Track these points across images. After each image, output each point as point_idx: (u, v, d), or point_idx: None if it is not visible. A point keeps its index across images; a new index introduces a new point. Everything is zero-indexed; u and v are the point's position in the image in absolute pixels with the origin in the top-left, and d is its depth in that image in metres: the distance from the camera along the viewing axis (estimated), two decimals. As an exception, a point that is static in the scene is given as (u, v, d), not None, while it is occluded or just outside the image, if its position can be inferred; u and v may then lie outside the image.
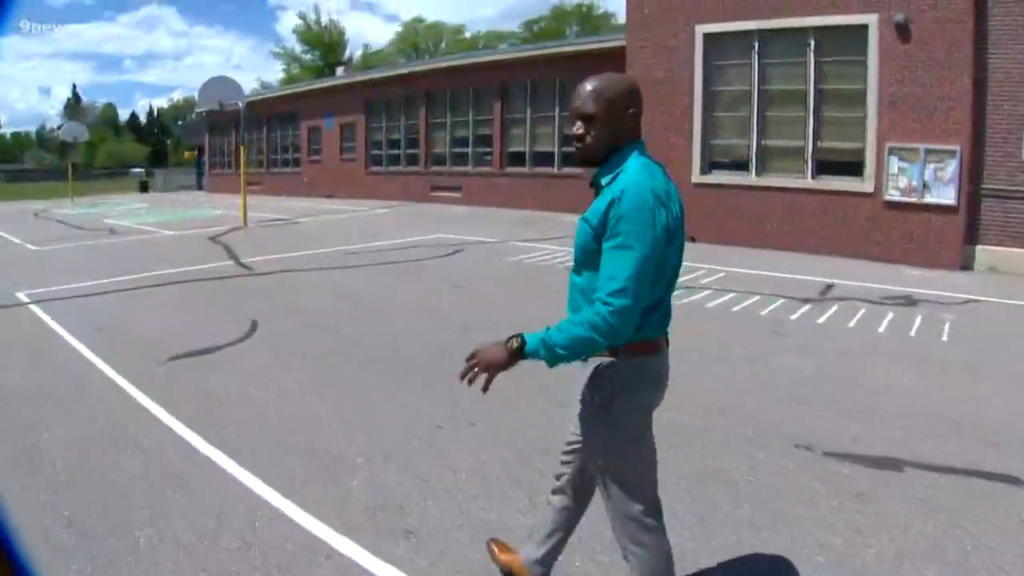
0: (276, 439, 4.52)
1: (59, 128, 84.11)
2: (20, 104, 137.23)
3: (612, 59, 17.48)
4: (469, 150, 21.71)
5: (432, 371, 5.83)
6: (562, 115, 19.10)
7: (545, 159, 19.27)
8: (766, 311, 8.04)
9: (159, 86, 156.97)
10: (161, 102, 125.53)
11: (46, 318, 7.99)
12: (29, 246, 15.06)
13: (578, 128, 2.30)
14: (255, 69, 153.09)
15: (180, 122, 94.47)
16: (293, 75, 56.71)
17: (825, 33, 12.17)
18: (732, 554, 3.23)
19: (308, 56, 58.66)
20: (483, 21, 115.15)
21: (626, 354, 2.27)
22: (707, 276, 10.00)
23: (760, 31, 12.72)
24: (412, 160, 23.98)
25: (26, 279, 10.57)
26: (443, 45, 67.08)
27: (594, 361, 2.32)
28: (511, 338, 2.22)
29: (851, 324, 7.49)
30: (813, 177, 12.51)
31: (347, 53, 59.90)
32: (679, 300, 8.44)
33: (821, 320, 7.66)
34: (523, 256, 11.89)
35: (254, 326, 7.48)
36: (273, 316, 7.93)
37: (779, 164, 12.95)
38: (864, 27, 11.69)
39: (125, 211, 25.26)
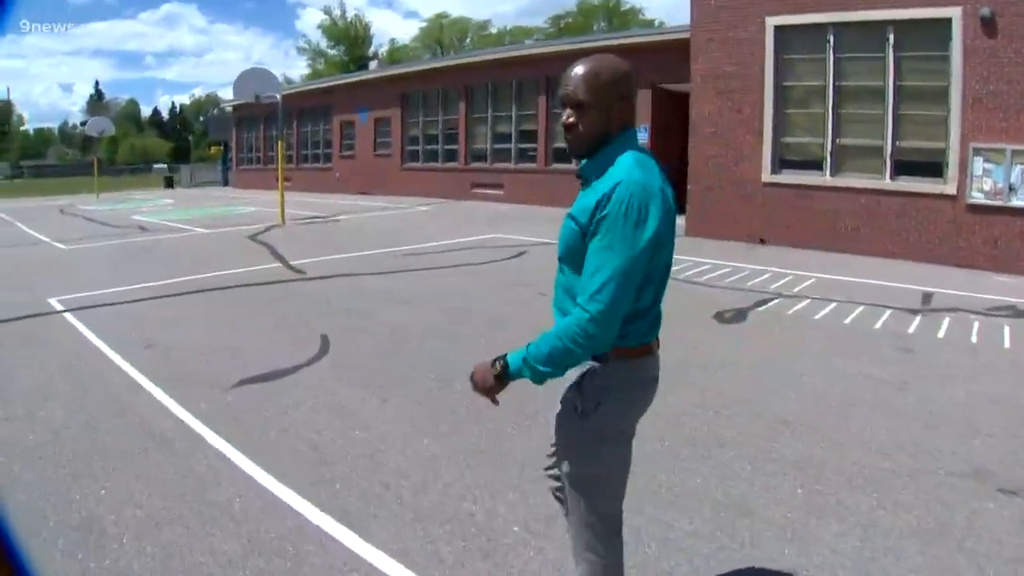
0: (396, 496, 3.67)
1: (83, 124, 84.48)
2: (42, 101, 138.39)
3: (669, 52, 16.83)
4: (512, 146, 20.93)
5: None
6: (611, 109, 18.34)
7: None
8: (879, 324, 7.31)
9: (180, 83, 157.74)
10: (183, 98, 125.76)
11: (85, 331, 7.20)
12: (58, 244, 14.44)
13: (569, 117, 2.12)
14: (275, 66, 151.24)
15: (202, 117, 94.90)
16: (318, 70, 56.23)
17: (905, 27, 11.39)
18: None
19: (333, 51, 58.14)
20: (505, 17, 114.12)
21: (615, 359, 2.13)
22: (797, 283, 9.26)
23: (835, 24, 11.98)
24: (450, 156, 23.23)
25: (58, 282, 9.91)
26: (468, 41, 66.59)
27: (581, 366, 2.15)
28: (496, 360, 2.12)
29: (973, 339, 6.78)
30: (891, 178, 11.75)
31: (372, 48, 59.36)
32: (787, 310, 7.83)
33: (941, 334, 6.94)
34: None
35: (326, 343, 6.64)
36: (344, 330, 7.10)
37: (855, 164, 12.21)
38: (947, 21, 10.91)
39: (152, 207, 24.75)
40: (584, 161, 2.16)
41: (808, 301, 8.23)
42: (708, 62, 13.31)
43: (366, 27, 58.31)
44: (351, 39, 56.91)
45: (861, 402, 5.03)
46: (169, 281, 9.78)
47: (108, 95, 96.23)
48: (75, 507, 3.57)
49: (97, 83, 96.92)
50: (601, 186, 2.03)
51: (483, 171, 21.74)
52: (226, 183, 39.40)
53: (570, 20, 60.26)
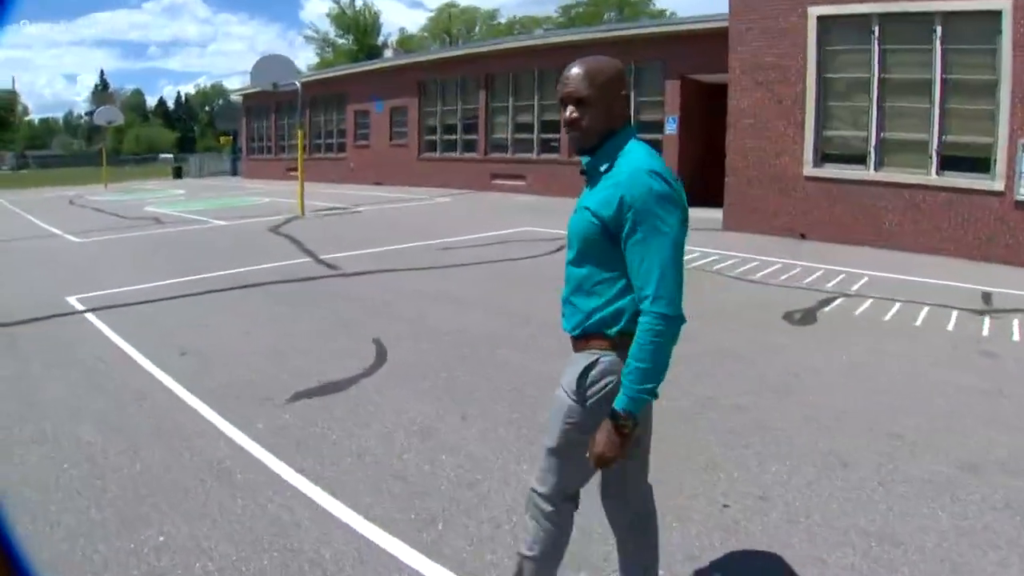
0: (511, 536, 3.10)
1: (88, 114, 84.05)
2: (46, 91, 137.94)
3: (698, 42, 16.45)
4: (534, 136, 20.50)
5: (668, 417, 4.63)
6: (637, 100, 17.93)
7: None
8: (950, 325, 6.95)
9: (184, 73, 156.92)
10: (188, 88, 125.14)
11: (111, 334, 6.67)
12: (71, 238, 14.01)
13: (571, 113, 2.19)
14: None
15: (207, 107, 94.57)
16: (327, 59, 55.73)
17: (953, 19, 10.97)
18: None
19: (342, 40, 57.64)
20: (514, 6, 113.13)
21: (623, 347, 2.12)
22: (852, 281, 8.86)
23: (880, 15, 11.55)
24: (469, 146, 22.79)
25: (75, 279, 9.46)
26: (476, 30, 66.12)
27: (588, 355, 2.19)
28: (616, 420, 2.07)
29: (1049, 340, 6.37)
30: (937, 173, 11.34)
31: (380, 38, 58.84)
32: (853, 311, 7.46)
33: (1016, 338, 6.56)
34: None
35: (381, 349, 6.12)
36: (397, 334, 6.56)
37: (899, 158, 11.79)
38: (997, 13, 10.49)
39: (164, 198, 24.34)
40: (587, 158, 2.21)
41: (871, 301, 7.85)
42: (747, 52, 12.87)
43: (375, 16, 57.75)
44: (360, 28, 56.38)
45: (968, 413, 4.66)
46: (194, 278, 9.31)
47: (112, 85, 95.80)
48: (132, 560, 3.00)
49: (102, 73, 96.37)
50: (619, 176, 2.08)
51: (504, 162, 21.31)
52: (235, 173, 39.05)
53: (581, 9, 59.72)
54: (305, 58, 64.92)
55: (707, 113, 17.42)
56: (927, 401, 4.87)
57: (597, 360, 2.17)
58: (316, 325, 7.02)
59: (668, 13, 58.20)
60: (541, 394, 4.98)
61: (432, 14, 65.14)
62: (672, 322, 2.03)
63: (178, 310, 7.77)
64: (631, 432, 2.09)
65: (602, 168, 2.16)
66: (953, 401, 4.88)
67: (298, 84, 16.86)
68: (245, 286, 8.81)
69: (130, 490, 3.65)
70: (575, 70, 2.19)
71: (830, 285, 8.62)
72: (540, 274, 9.22)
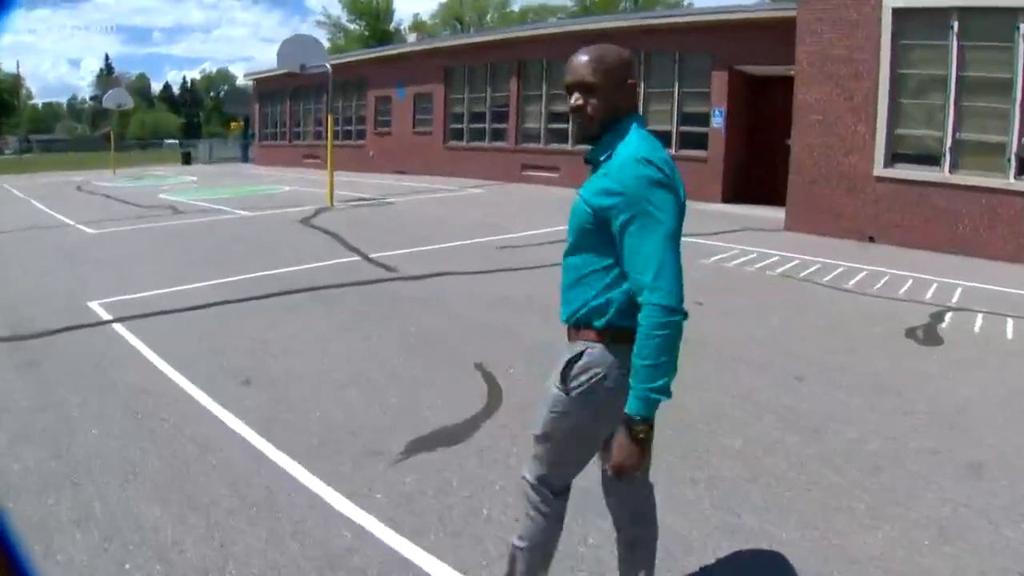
0: None
1: (93, 98, 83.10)
2: (50, 75, 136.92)
3: (746, 31, 15.58)
4: (569, 127, 19.58)
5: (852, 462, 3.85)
6: (681, 91, 17.07)
7: (661, 140, 16.52)
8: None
9: (188, 58, 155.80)
10: (193, 74, 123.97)
11: (148, 353, 5.66)
12: (84, 228, 13.06)
13: (577, 100, 2.18)
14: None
15: (212, 93, 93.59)
16: (339, 44, 54.68)
17: (1039, 15, 10.23)
18: None
19: (354, 26, 56.57)
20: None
21: (612, 341, 2.12)
22: (948, 292, 8.12)
23: (960, 9, 10.76)
24: (498, 135, 21.83)
25: (95, 279, 8.53)
26: (489, 18, 65.10)
27: (576, 345, 2.18)
28: (632, 427, 2.00)
29: None
30: (1016, 177, 10.57)
31: (393, 24, 57.85)
32: (969, 327, 6.76)
33: None
34: (715, 257, 9.77)
35: (490, 380, 5.11)
36: (502, 357, 5.57)
37: (976, 160, 11.02)
38: (1085, 10, 9.77)
39: (176, 185, 23.48)
40: (592, 147, 2.19)
41: (982, 316, 7.13)
42: (816, 44, 12.03)
43: (388, 1, 56.63)
44: (373, 13, 55.30)
45: None
46: (234, 279, 8.37)
47: (117, 70, 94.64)
48: None
49: (107, 57, 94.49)
50: (612, 164, 2.07)
51: (536, 152, 20.34)
52: (246, 159, 38.19)
53: (596, -1, 58.65)
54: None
55: (753, 106, 16.60)
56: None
57: (583, 352, 2.16)
58: (396, 343, 6.07)
59: (686, 3, 57.20)
60: (712, 428, 4.23)
61: (444, 0, 63.86)
62: (673, 313, 1.97)
63: (223, 321, 6.77)
64: (647, 437, 2.02)
65: (602, 157, 2.15)
66: None
67: (328, 66, 15.94)
68: (296, 291, 7.85)
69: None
70: (581, 57, 2.17)
71: (928, 296, 7.90)
72: None
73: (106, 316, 6.81)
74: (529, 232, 11.63)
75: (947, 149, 11.12)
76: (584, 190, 2.14)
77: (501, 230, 11.83)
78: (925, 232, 11.15)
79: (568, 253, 2.23)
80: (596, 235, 2.10)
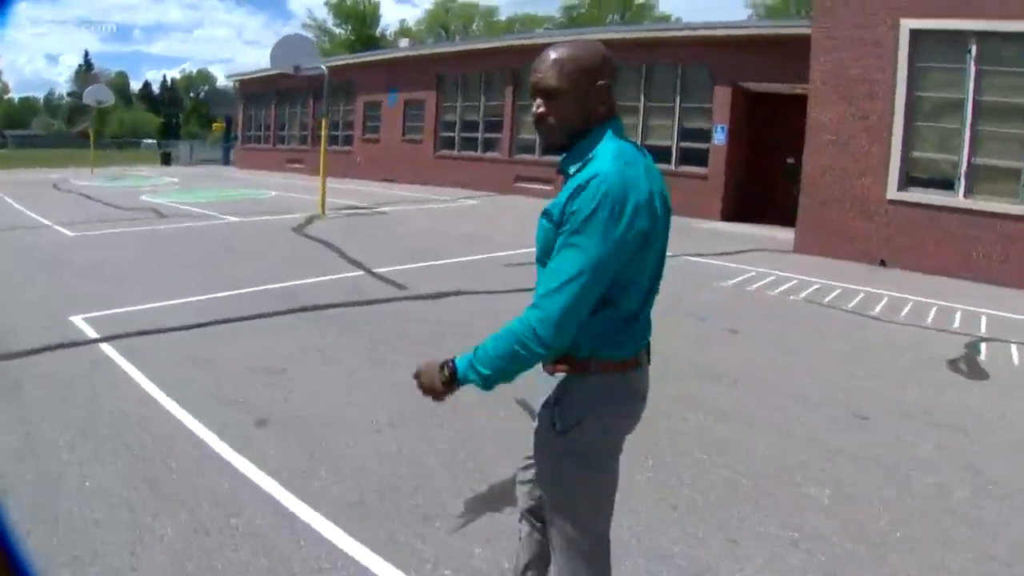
0: None
1: (71, 94, 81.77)
2: (27, 69, 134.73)
3: (750, 48, 15.29)
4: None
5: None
6: (682, 106, 16.77)
7: (661, 155, 16.33)
8: None
9: (168, 58, 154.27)
10: (173, 73, 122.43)
11: (142, 380, 5.01)
12: (62, 230, 12.33)
13: (538, 107, 1.93)
14: (268, 45, 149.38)
15: (192, 94, 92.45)
16: (325, 49, 54.11)
17: (1057, 42, 10.08)
18: None
19: (340, 30, 55.99)
20: (514, 4, 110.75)
21: (599, 371, 1.92)
22: (973, 321, 7.86)
23: (978, 33, 10.57)
24: (490, 145, 21.42)
25: (77, 288, 7.89)
26: (475, 27, 64.94)
27: (560, 376, 1.96)
28: (444, 364, 1.95)
29: None
30: (1030, 203, 10.47)
31: (379, 29, 57.39)
32: (1009, 359, 6.44)
33: None
34: (734, 280, 9.38)
35: None
36: None
37: (991, 186, 10.82)
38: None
39: (157, 186, 22.84)
40: (563, 156, 1.96)
41: (1015, 347, 6.84)
42: (830, 62, 11.76)
43: (375, 7, 56.21)
44: (359, 18, 54.80)
45: None
46: (229, 294, 7.76)
47: (96, 67, 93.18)
48: None
49: (87, 53, 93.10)
50: (576, 180, 1.83)
51: (530, 164, 19.92)
52: (227, 162, 37.54)
53: (583, 10, 58.62)
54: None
55: (753, 123, 16.35)
56: None
57: (568, 381, 1.96)
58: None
59: (673, 18, 57.34)
60: (792, 478, 3.79)
61: (430, 7, 63.62)
62: (535, 342, 1.78)
63: (224, 344, 6.07)
64: (446, 385, 1.96)
65: (571, 170, 1.91)
66: None
67: (324, 68, 15.44)
68: (302, 309, 7.25)
69: None
70: (544, 58, 1.93)
71: (956, 326, 7.64)
72: (662, 300, 7.58)
73: (92, 334, 6.12)
74: (531, 249, 11.07)
75: (962, 174, 10.88)
76: (551, 203, 1.89)
77: (503, 245, 11.35)
78: (938, 257, 10.89)
79: (539, 270, 1.95)
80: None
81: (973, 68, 10.67)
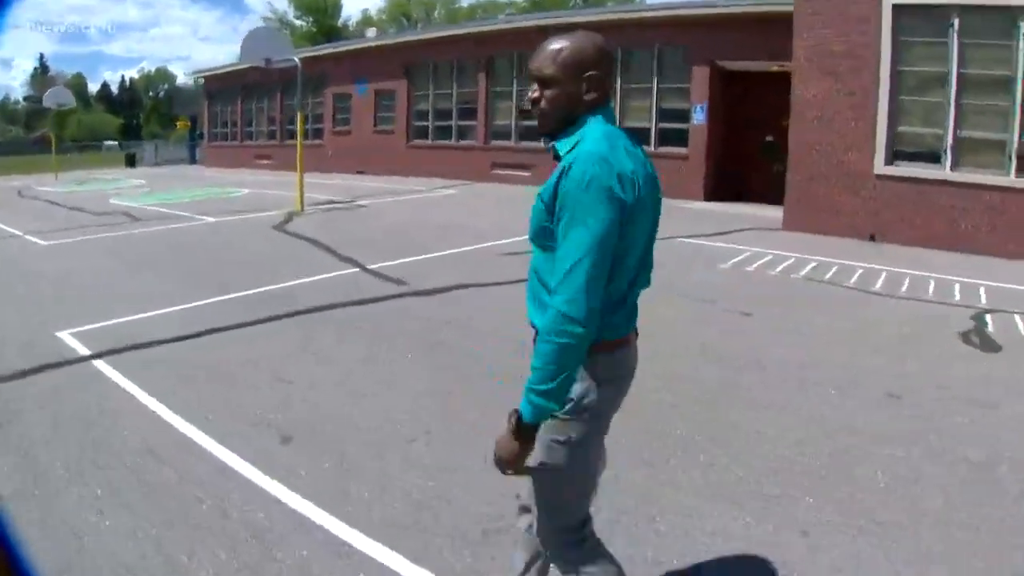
0: None
1: (27, 98, 79.83)
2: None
3: (725, 27, 15.19)
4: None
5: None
6: (660, 87, 16.64)
7: (641, 137, 16.00)
8: None
9: (125, 58, 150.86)
10: (131, 73, 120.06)
11: (147, 400, 4.65)
12: (33, 239, 11.88)
13: (533, 92, 2.06)
14: (223, 41, 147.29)
15: (151, 93, 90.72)
16: (285, 42, 53.33)
17: (1037, 13, 10.11)
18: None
19: (300, 22, 55.10)
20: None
21: (593, 354, 1.95)
22: (973, 293, 7.84)
23: (961, 7, 10.60)
24: (465, 133, 21.14)
25: (58, 301, 7.50)
26: (436, 15, 64.30)
27: None
28: (508, 417, 1.94)
29: None
30: (1017, 175, 10.43)
31: (340, 20, 56.59)
32: (1017, 330, 6.40)
33: None
34: (732, 261, 9.28)
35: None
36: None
37: (977, 158, 10.88)
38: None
39: (125, 189, 22.25)
40: (555, 141, 2.05)
41: (1018, 316, 6.88)
42: (814, 39, 11.69)
43: (336, -2, 55.42)
44: (320, 9, 53.96)
45: None
46: (223, 299, 7.40)
47: (52, 69, 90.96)
48: None
49: (42, 56, 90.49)
50: (564, 162, 1.94)
51: (507, 150, 19.70)
52: (194, 161, 36.86)
53: (545, -6, 58.18)
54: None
55: (729, 102, 16.27)
56: None
57: None
58: (451, 378, 5.12)
59: (638, -1, 57.17)
60: (844, 464, 3.70)
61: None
62: (570, 323, 1.83)
63: (226, 353, 5.71)
64: (521, 439, 1.92)
65: (562, 153, 2.00)
66: None
67: (297, 60, 15.07)
68: (301, 311, 6.88)
69: None
70: (544, 47, 2.05)
71: (957, 298, 7.63)
72: (669, 284, 7.28)
73: (83, 350, 5.71)
74: (522, 238, 10.87)
75: (948, 147, 10.92)
76: (544, 186, 2.00)
77: (492, 235, 11.13)
78: (926, 230, 10.93)
79: (534, 254, 2.09)
80: (550, 233, 1.97)
81: (956, 42, 10.68)
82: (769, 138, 16.02)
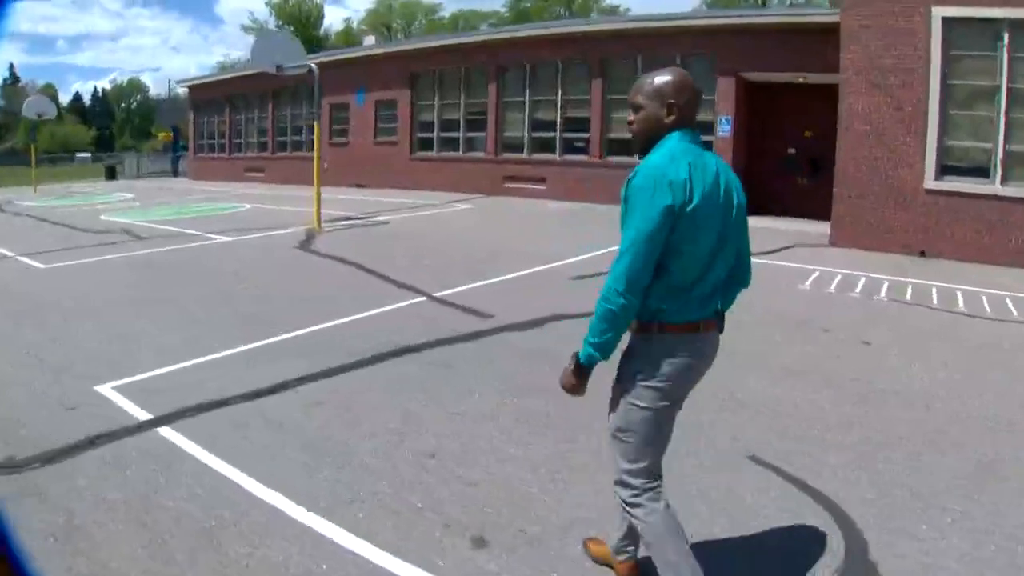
0: None
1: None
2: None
3: (752, 37, 14.86)
4: (556, 135, 18.53)
5: None
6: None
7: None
8: None
9: (95, 68, 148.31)
10: (103, 83, 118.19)
11: (251, 484, 3.65)
12: (29, 262, 10.57)
13: (629, 116, 2.50)
14: (195, 51, 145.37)
15: (122, 104, 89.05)
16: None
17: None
18: None
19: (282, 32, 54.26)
20: (457, 1, 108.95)
21: (659, 332, 2.38)
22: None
23: (1011, 20, 10.44)
24: (473, 145, 20.61)
25: (83, 343, 6.24)
26: (417, 25, 63.89)
27: (631, 338, 2.47)
28: (572, 358, 2.45)
29: None
30: (1067, 189, 10.30)
31: (322, 29, 55.87)
32: None
33: None
34: (809, 281, 8.94)
35: (815, 494, 3.56)
36: (783, 444, 4.12)
37: (1027, 173, 10.74)
38: None
39: (114, 204, 21.20)
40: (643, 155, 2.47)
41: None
42: (862, 51, 11.46)
43: (318, 7, 54.68)
44: (302, 19, 53.22)
45: None
46: (282, 338, 6.31)
47: (23, 80, 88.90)
48: None
49: (12, 66, 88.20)
50: (633, 171, 2.36)
51: (520, 163, 19.20)
52: (176, 173, 35.94)
53: (529, 4, 58.05)
54: (214, 56, 60.92)
55: (753, 113, 15.94)
56: None
57: (635, 340, 2.48)
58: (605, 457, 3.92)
59: (622, 9, 57.14)
60: None
61: (371, 6, 62.22)
62: (616, 293, 2.28)
63: (327, 415, 4.63)
64: (576, 374, 2.42)
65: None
66: None
67: (313, 66, 14.43)
68: (386, 355, 5.85)
69: None
70: (641, 79, 2.49)
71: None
72: (754, 312, 6.29)
73: (139, 413, 4.56)
74: (582, 256, 10.22)
75: (998, 161, 10.74)
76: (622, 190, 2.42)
77: (548, 255, 10.36)
78: (977, 245, 10.73)
79: None
80: None
81: (1006, 56, 10.53)
82: (792, 150, 15.72)
